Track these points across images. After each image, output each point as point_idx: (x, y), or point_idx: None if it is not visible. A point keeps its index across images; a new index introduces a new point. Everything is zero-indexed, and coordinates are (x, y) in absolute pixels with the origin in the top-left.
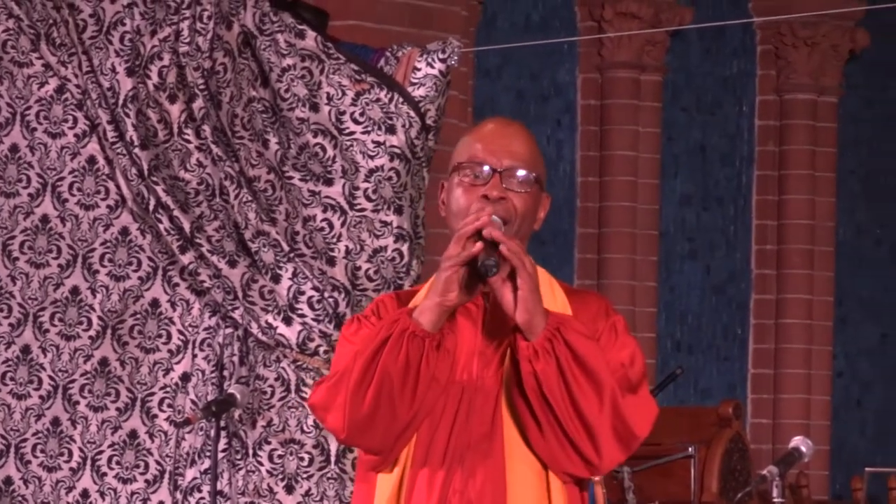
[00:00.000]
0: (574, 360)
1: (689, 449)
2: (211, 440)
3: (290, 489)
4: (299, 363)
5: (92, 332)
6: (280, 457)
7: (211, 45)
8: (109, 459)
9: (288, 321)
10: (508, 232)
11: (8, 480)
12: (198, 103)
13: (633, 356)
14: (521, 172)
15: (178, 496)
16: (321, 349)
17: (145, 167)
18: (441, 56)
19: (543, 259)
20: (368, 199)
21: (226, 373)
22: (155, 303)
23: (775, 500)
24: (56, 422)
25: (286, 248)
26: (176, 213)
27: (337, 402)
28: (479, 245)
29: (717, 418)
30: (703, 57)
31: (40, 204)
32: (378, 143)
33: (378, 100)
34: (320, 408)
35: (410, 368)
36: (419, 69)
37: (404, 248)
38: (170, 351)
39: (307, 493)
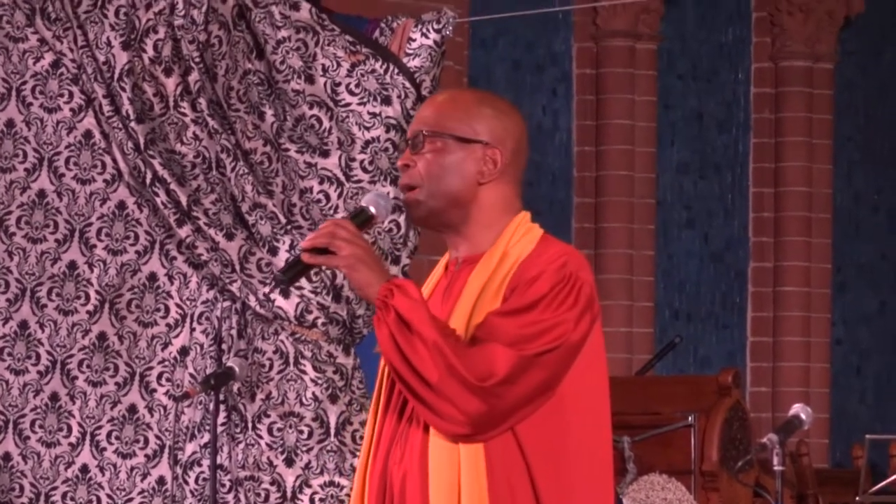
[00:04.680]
0: (399, 321)
1: (689, 418)
2: (210, 414)
3: (289, 462)
4: (297, 336)
5: (90, 307)
6: (279, 430)
7: (206, 17)
8: (109, 434)
9: (286, 294)
10: (420, 195)
11: (7, 456)
12: (193, 76)
13: (535, 314)
14: (421, 135)
15: (178, 470)
16: (319, 321)
17: (142, 141)
18: (436, 26)
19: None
20: (365, 170)
21: (224, 346)
22: (153, 276)
23: (776, 467)
24: (55, 397)
25: (283, 220)
26: (173, 186)
27: None
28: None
29: (717, 387)
30: (698, 24)
31: (37, 179)
32: (374, 115)
33: (373, 71)
34: None
35: None
36: (414, 40)
37: (401, 219)
38: (168, 325)
39: (307, 466)
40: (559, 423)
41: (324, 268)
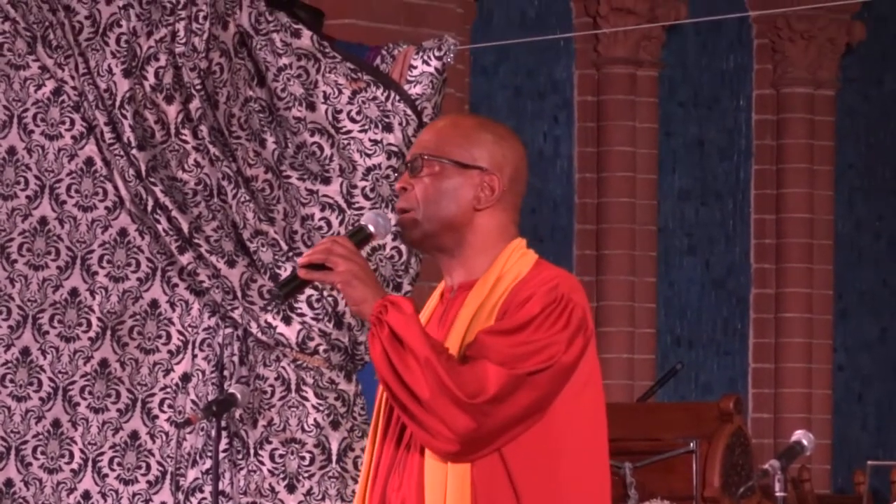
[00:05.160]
0: (392, 337)
1: (691, 444)
2: (212, 440)
3: (291, 488)
4: (299, 362)
5: (91, 334)
6: (281, 456)
7: (207, 45)
8: (111, 461)
9: (287, 320)
10: (415, 216)
11: (9, 483)
12: (194, 104)
13: (526, 334)
14: (418, 158)
15: (180, 497)
16: (321, 348)
17: (143, 168)
18: (437, 53)
19: (541, 256)
20: (366, 197)
21: (226, 373)
22: (154, 303)
23: (777, 494)
24: (56, 423)
25: (285, 247)
26: (174, 213)
27: None
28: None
29: (719, 413)
30: (699, 51)
31: (38, 206)
32: (375, 142)
33: (374, 98)
34: None
35: None
36: (415, 67)
37: (403, 246)
38: (170, 351)
39: (309, 493)
40: (550, 447)
41: (326, 288)
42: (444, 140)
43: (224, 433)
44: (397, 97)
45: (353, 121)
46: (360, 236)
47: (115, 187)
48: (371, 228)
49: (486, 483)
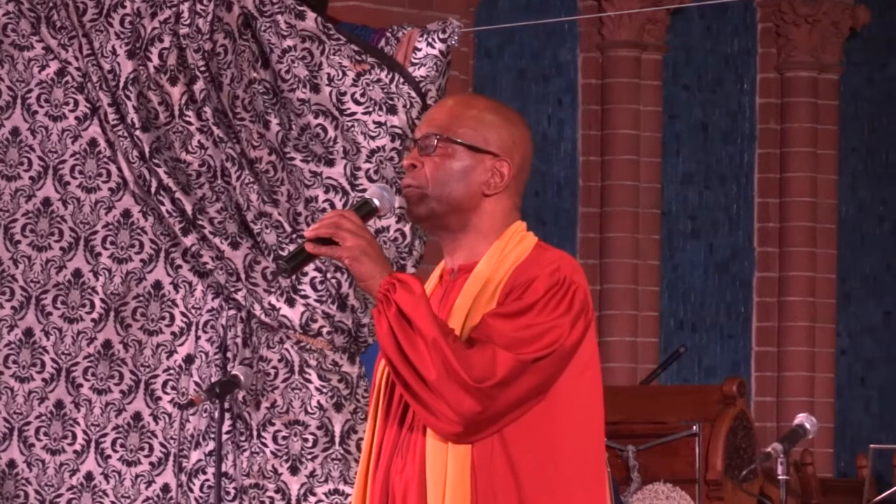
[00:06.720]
0: (400, 316)
1: (694, 427)
2: (215, 422)
3: (294, 470)
4: (303, 344)
5: (95, 315)
6: (284, 438)
7: (211, 26)
8: (113, 442)
9: (291, 302)
10: (424, 192)
11: (11, 464)
12: (198, 85)
13: (530, 318)
14: (431, 137)
15: (183, 478)
16: (324, 330)
17: (146, 149)
18: (441, 36)
19: (545, 239)
20: (370, 179)
21: (229, 354)
22: (158, 285)
23: (780, 477)
24: (59, 405)
25: (288, 229)
26: (178, 195)
27: None
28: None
29: (722, 396)
30: (703, 35)
31: (42, 187)
32: (379, 124)
33: (379, 80)
34: None
35: None
36: (420, 49)
37: (406, 228)
38: (173, 333)
39: (311, 474)
40: (549, 429)
41: (331, 269)
42: (457, 121)
43: (227, 415)
44: (401, 79)
45: (357, 103)
46: (365, 210)
47: (119, 168)
48: (376, 202)
49: (486, 464)
